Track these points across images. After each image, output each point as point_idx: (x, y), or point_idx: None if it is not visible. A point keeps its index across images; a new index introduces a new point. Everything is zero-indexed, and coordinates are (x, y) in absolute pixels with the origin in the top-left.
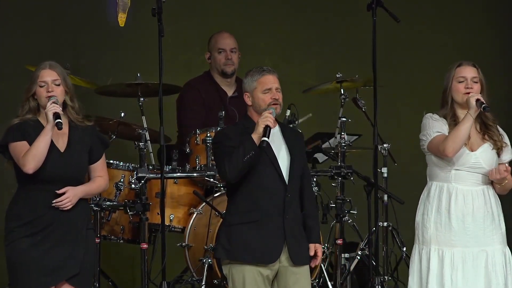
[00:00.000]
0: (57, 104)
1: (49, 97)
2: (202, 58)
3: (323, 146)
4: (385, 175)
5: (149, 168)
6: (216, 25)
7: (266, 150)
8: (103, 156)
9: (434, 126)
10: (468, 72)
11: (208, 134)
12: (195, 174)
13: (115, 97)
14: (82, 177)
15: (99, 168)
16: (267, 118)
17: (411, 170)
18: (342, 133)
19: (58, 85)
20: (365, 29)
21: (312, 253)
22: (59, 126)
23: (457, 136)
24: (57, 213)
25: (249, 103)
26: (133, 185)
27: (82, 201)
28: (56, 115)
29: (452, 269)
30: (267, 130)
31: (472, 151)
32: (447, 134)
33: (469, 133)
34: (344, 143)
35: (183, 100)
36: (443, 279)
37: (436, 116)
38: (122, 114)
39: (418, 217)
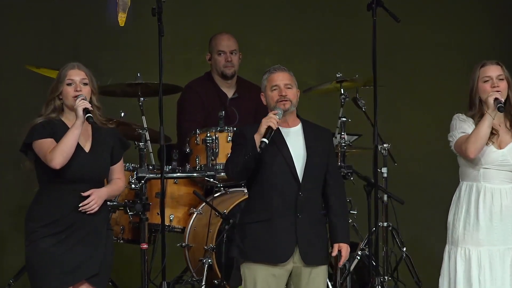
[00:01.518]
0: (86, 100)
1: (77, 96)
2: (202, 58)
3: None
4: (385, 175)
5: (149, 168)
6: (216, 25)
7: (280, 148)
8: (122, 158)
9: (460, 126)
10: (493, 71)
11: (208, 134)
12: (195, 174)
13: (115, 97)
14: (105, 178)
15: (118, 170)
16: (270, 119)
17: (411, 170)
18: (342, 133)
19: (86, 84)
20: (365, 29)
21: (334, 254)
22: (89, 119)
23: (477, 137)
24: (81, 214)
25: (264, 102)
26: (133, 185)
27: (104, 202)
28: (86, 111)
29: (480, 269)
30: (268, 131)
31: (500, 148)
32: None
33: (498, 131)
34: (344, 143)
35: (182, 102)
36: (471, 279)
37: (463, 116)
38: (122, 114)
39: (450, 218)
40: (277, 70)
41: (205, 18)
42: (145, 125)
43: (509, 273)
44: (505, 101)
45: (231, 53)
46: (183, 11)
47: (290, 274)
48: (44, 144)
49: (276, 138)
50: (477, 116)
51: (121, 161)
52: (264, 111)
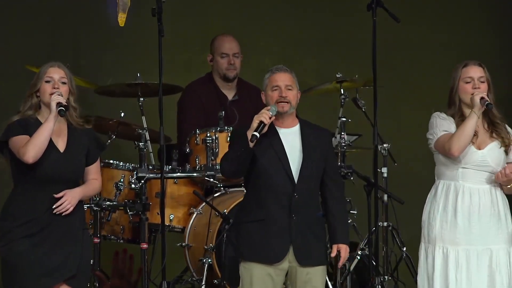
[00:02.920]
0: (61, 96)
1: (53, 93)
2: (202, 58)
3: None
4: (385, 175)
5: (149, 168)
6: (216, 25)
7: (276, 148)
8: (98, 159)
9: (441, 125)
10: (475, 72)
11: (208, 134)
12: (195, 174)
13: (115, 97)
14: (79, 179)
15: (94, 171)
16: (263, 114)
17: (411, 170)
18: (342, 133)
19: (64, 83)
20: (365, 29)
21: (333, 254)
22: (61, 113)
23: (461, 135)
24: (55, 215)
25: (264, 101)
26: (133, 185)
27: (78, 202)
28: (59, 104)
29: (457, 268)
30: (260, 126)
31: (479, 149)
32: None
33: (477, 132)
34: (344, 143)
35: (182, 103)
36: (448, 278)
37: (443, 115)
38: (122, 114)
39: (425, 216)
40: (280, 70)
41: (205, 18)
42: (145, 125)
43: (486, 273)
44: None
45: (234, 56)
46: (183, 11)
47: (287, 273)
48: (18, 140)
49: (273, 139)
50: (457, 115)
51: (98, 162)
52: None
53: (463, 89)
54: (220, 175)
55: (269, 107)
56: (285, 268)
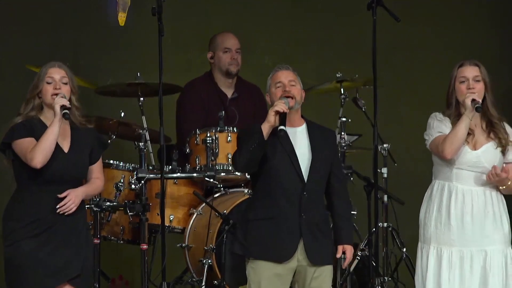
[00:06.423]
0: (65, 98)
1: (56, 94)
2: (202, 58)
3: None
4: (385, 175)
5: (149, 169)
6: (216, 25)
7: (286, 147)
8: (100, 158)
9: (437, 126)
10: (469, 72)
11: (208, 134)
12: (195, 175)
13: (115, 97)
14: (84, 178)
15: (96, 170)
16: (277, 105)
17: (411, 170)
18: (342, 133)
19: (66, 83)
20: (365, 29)
21: (338, 255)
22: (65, 116)
23: (454, 138)
24: (59, 214)
25: (269, 102)
26: (133, 186)
27: (81, 202)
28: (63, 107)
29: (450, 269)
30: (281, 118)
31: (474, 149)
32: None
33: (473, 131)
34: (344, 143)
35: (182, 102)
36: (441, 278)
37: (440, 115)
38: (122, 114)
39: (421, 215)
40: (281, 68)
41: (205, 18)
42: (145, 125)
43: (479, 274)
44: (482, 102)
45: (237, 52)
46: (183, 11)
47: (295, 273)
48: (24, 144)
49: (282, 137)
50: (453, 116)
51: (100, 161)
52: (262, 110)
53: (458, 89)
54: (220, 175)
55: (283, 101)
56: (293, 267)
